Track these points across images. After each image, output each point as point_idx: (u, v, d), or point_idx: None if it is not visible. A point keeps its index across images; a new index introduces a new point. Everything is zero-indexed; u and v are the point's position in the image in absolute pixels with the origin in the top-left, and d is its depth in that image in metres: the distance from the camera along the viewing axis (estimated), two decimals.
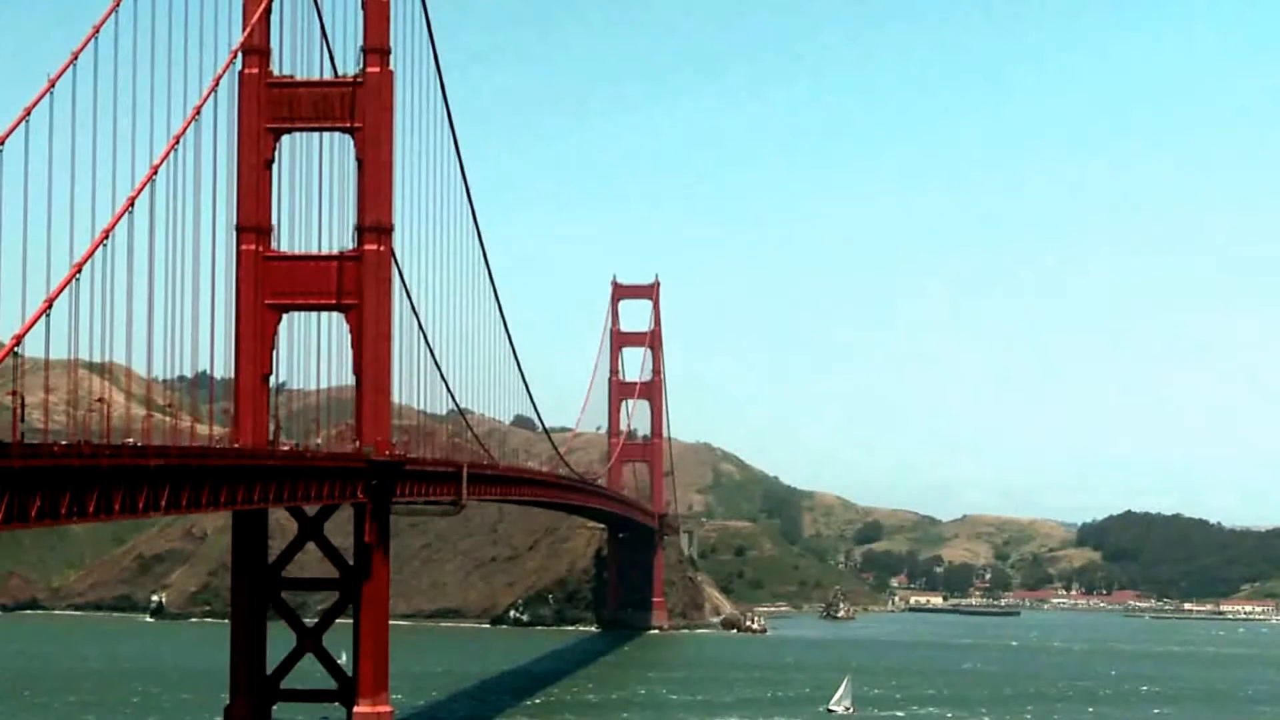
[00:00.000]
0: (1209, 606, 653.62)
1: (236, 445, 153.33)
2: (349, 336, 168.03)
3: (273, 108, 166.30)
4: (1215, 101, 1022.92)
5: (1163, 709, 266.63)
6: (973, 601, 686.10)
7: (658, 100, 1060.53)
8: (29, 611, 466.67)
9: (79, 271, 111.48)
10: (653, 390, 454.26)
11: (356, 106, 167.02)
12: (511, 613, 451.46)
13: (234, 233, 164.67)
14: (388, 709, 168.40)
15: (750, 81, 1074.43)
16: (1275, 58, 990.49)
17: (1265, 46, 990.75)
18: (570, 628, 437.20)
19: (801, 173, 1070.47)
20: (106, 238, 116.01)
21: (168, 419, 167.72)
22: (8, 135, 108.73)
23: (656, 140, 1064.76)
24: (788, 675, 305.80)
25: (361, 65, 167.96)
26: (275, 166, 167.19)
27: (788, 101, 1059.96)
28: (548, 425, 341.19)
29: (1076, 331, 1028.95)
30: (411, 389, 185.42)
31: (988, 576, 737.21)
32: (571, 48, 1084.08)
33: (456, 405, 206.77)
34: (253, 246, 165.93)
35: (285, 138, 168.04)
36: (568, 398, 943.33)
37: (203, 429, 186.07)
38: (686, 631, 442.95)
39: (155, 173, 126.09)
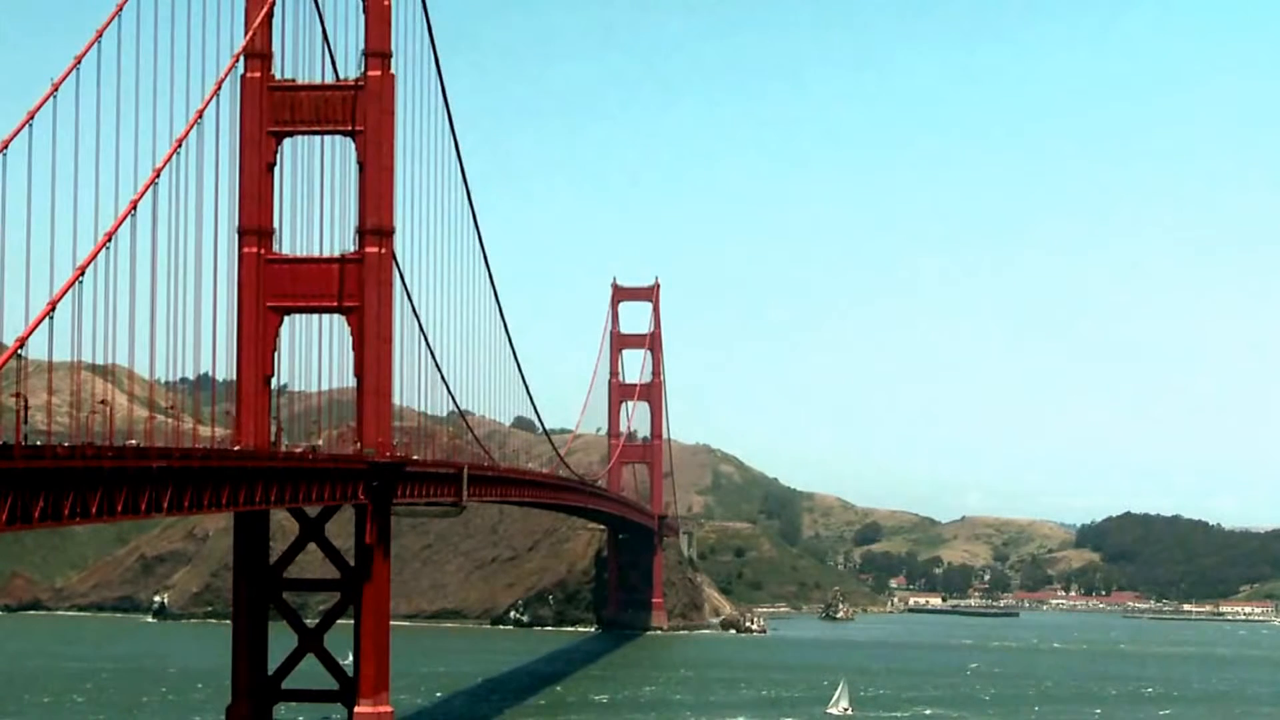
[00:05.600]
0: (1208, 608, 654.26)
1: (238, 447, 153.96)
2: (350, 338, 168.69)
3: (274, 111, 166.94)
4: (1219, 97, 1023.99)
5: (1167, 710, 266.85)
6: (972, 603, 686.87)
7: (658, 101, 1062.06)
8: (32, 612, 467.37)
9: (82, 274, 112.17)
10: (652, 392, 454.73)
11: (358, 110, 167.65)
12: (512, 613, 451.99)
13: (236, 235, 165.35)
14: (388, 709, 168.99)
15: (751, 82, 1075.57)
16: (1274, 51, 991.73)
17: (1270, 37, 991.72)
18: (570, 628, 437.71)
19: (802, 174, 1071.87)
20: (109, 240, 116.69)
21: (170, 420, 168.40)
22: (11, 138, 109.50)
23: (656, 141, 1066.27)
24: (788, 676, 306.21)
25: (363, 69, 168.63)
26: (277, 169, 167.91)
27: (789, 102, 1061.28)
28: (548, 427, 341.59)
29: (1076, 333, 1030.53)
30: (412, 391, 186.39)
31: (987, 578, 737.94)
32: (572, 49, 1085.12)
33: (457, 407, 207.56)
34: (254, 249, 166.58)
35: (287, 141, 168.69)
36: (568, 399, 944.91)
37: (205, 430, 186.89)
38: (686, 632, 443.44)
39: (158, 176, 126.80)
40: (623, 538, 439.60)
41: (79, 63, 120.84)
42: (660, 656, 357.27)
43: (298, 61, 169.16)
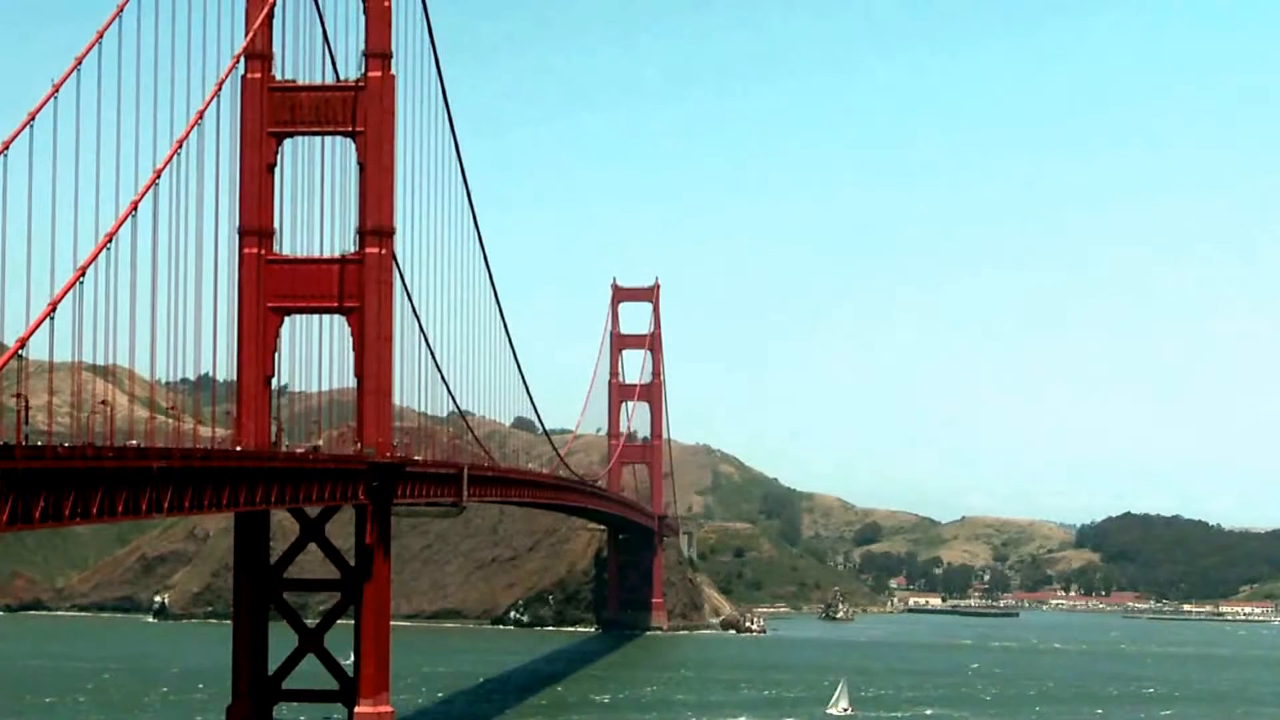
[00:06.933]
0: (1208, 608, 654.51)
1: (239, 447, 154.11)
2: (350, 339, 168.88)
3: (275, 112, 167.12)
4: (1217, 97, 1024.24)
5: (1168, 710, 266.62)
6: (971, 603, 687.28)
7: (659, 101, 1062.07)
8: (33, 612, 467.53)
9: (83, 274, 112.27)
10: (653, 392, 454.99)
11: (358, 110, 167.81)
12: (512, 613, 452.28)
13: (236, 236, 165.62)
14: (389, 709, 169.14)
15: (752, 82, 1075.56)
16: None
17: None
18: (570, 628, 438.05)
19: (802, 173, 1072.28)
20: (110, 241, 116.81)
21: (171, 421, 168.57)
22: (12, 139, 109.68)
23: (657, 140, 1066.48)
24: (788, 676, 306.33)
25: (363, 69, 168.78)
26: (277, 170, 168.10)
27: (790, 101, 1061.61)
28: (548, 427, 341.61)
29: (1076, 332, 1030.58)
30: (412, 391, 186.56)
31: (987, 578, 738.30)
32: (573, 49, 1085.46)
33: (457, 407, 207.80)
34: (255, 249, 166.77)
35: (287, 141, 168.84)
36: (568, 400, 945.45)
37: (205, 431, 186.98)
38: (686, 633, 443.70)
39: (159, 176, 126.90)
40: (623, 538, 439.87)
41: (80, 63, 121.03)
42: (660, 657, 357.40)
43: (298, 62, 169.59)
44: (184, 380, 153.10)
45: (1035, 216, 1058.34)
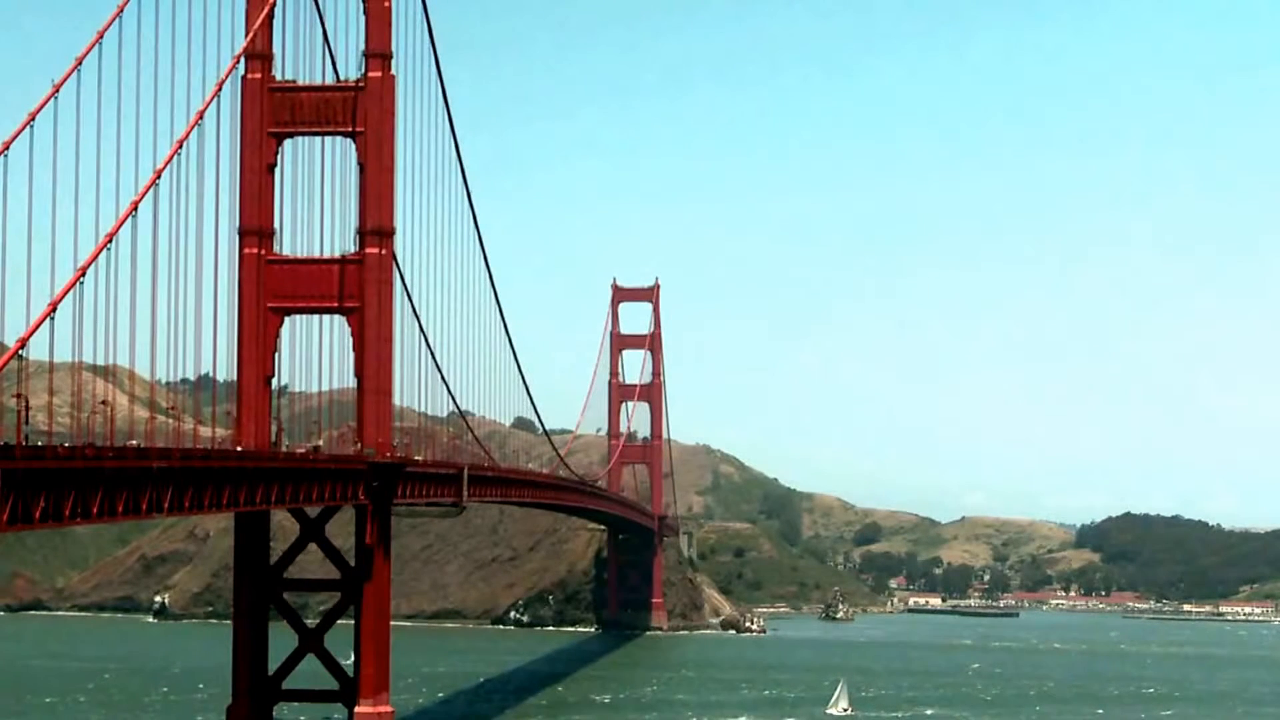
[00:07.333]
0: (1208, 608, 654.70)
1: (239, 447, 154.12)
2: (350, 339, 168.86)
3: (275, 112, 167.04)
4: (1220, 95, 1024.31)
5: (1169, 710, 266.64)
6: (971, 603, 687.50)
7: (659, 101, 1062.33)
8: (33, 612, 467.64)
9: (83, 275, 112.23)
10: (653, 392, 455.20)
11: (358, 111, 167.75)
12: (512, 613, 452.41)
13: (237, 236, 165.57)
14: (389, 709, 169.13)
15: (753, 82, 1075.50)
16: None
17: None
18: (570, 628, 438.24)
19: (802, 174, 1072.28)
20: (110, 241, 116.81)
21: (171, 421, 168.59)
22: (12, 140, 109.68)
23: (658, 140, 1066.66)
24: (788, 676, 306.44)
25: (363, 69, 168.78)
26: (278, 170, 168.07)
27: (791, 101, 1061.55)
28: (548, 427, 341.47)
29: (1076, 332, 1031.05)
30: (413, 391, 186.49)
31: (987, 578, 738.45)
32: (572, 49, 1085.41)
33: (457, 407, 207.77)
34: (255, 250, 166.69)
35: (288, 142, 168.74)
36: (568, 400, 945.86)
37: (205, 431, 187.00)
38: (686, 633, 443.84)
39: (159, 177, 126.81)
40: (623, 538, 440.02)
41: (80, 63, 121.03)
42: (661, 657, 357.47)
43: (298, 62, 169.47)
44: (184, 380, 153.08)
45: (1034, 216, 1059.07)
